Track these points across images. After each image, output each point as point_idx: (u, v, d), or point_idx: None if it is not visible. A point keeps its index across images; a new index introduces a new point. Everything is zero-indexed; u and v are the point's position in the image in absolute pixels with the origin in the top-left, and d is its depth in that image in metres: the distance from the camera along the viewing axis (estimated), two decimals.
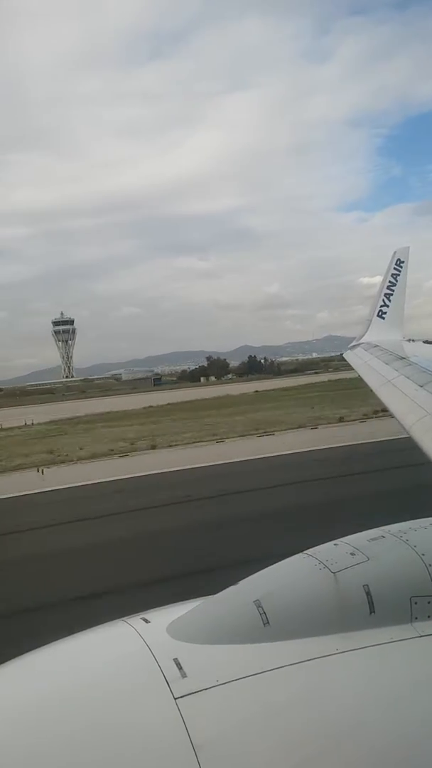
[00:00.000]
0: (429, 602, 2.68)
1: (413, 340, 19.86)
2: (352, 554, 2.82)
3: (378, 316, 21.71)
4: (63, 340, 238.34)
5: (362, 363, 15.61)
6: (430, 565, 2.72)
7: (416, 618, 2.66)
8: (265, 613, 2.61)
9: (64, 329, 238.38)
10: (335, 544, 2.96)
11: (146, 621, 2.80)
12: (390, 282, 22.03)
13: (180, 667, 2.43)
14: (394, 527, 3.05)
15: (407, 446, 7.81)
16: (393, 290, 21.91)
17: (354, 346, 20.07)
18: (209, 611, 2.81)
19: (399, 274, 22.02)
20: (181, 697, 2.33)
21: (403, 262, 22.10)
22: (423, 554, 2.77)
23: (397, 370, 11.54)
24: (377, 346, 16.71)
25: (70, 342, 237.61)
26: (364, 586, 2.67)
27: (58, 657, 2.77)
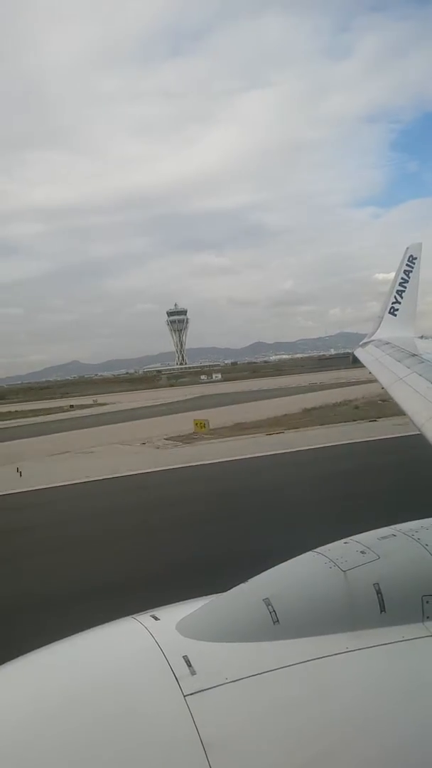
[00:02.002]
0: None
1: (426, 337, 19.68)
2: (362, 553, 2.80)
3: (390, 312, 21.54)
4: (176, 330, 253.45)
5: (373, 360, 15.50)
6: None
7: (428, 617, 2.64)
8: (274, 611, 2.60)
9: (179, 319, 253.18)
10: (345, 543, 2.94)
11: (156, 618, 2.80)
12: (402, 278, 21.84)
13: (189, 665, 2.43)
14: (405, 526, 3.03)
15: None
16: (405, 287, 21.72)
17: (365, 343, 19.93)
18: (218, 609, 2.81)
19: (411, 271, 21.82)
20: (191, 694, 2.33)
21: (415, 258, 21.90)
22: None
23: (409, 368, 11.44)
24: (388, 343, 16.58)
25: (182, 332, 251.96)
26: (374, 584, 2.65)
27: (69, 653, 2.77)
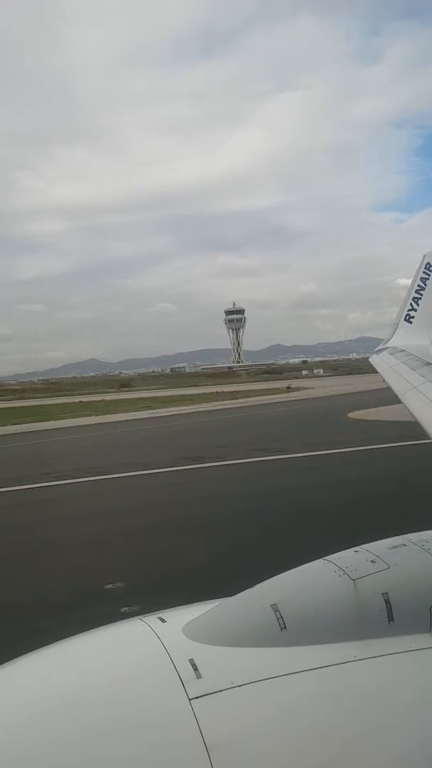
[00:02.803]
0: None
1: None
2: (372, 562, 2.79)
3: (405, 320, 21.42)
4: (234, 329, 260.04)
5: (388, 368, 15.42)
6: None
7: None
8: (282, 617, 2.60)
9: (237, 318, 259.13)
10: (356, 551, 2.93)
11: (162, 620, 2.81)
12: (419, 286, 21.70)
13: (195, 668, 2.43)
14: (416, 536, 3.01)
15: None
16: (421, 294, 21.58)
17: (380, 350, 19.84)
18: (226, 613, 2.81)
19: (428, 279, 21.69)
20: (196, 698, 2.33)
21: None
22: None
23: (423, 376, 11.37)
24: (403, 351, 16.50)
25: (239, 330, 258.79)
26: (383, 594, 2.64)
27: (73, 653, 2.79)
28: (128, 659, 2.65)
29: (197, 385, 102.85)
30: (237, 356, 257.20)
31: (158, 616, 2.86)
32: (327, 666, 2.48)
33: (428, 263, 21.72)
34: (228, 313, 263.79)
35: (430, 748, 2.35)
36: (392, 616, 2.61)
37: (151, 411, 56.03)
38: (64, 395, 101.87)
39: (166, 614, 2.89)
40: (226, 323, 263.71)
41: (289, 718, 2.35)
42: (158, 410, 56.76)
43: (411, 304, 21.50)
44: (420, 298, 21.53)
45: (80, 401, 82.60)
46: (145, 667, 2.54)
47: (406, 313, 21.49)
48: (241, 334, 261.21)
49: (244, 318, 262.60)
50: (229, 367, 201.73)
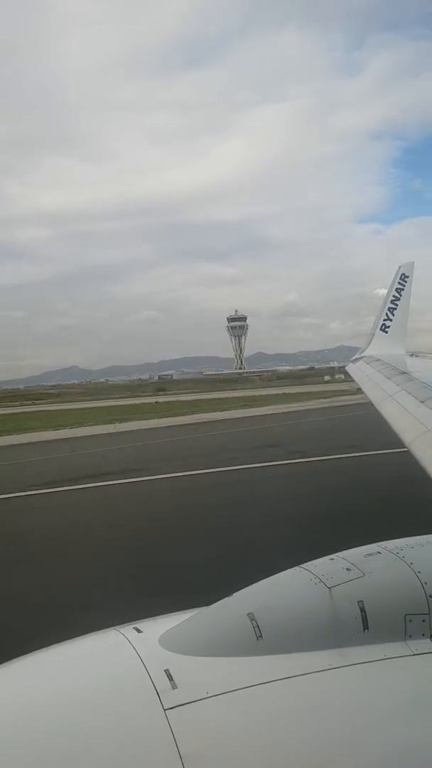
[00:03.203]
0: (423, 620, 2.66)
1: (416, 355, 19.85)
2: (348, 569, 2.81)
3: (381, 329, 21.74)
4: (236, 335, 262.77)
5: (364, 376, 15.60)
6: (425, 583, 2.71)
7: (410, 636, 2.64)
8: (258, 626, 2.60)
9: (239, 325, 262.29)
10: (331, 559, 2.95)
11: (138, 630, 2.78)
12: (394, 296, 22.06)
13: (171, 678, 2.42)
14: (391, 543, 3.04)
15: None
16: (397, 305, 21.95)
17: (356, 359, 20.06)
18: (202, 623, 2.80)
19: (403, 289, 22.07)
20: (171, 708, 2.31)
21: (407, 276, 22.15)
22: (419, 572, 2.76)
23: (398, 385, 11.52)
24: (379, 360, 16.71)
25: (242, 337, 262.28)
26: (359, 602, 2.65)
27: (48, 664, 2.75)
28: (103, 670, 2.63)
29: (235, 389, 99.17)
30: (239, 363, 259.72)
31: (134, 626, 2.84)
32: (302, 675, 2.48)
33: (403, 274, 22.12)
34: (230, 320, 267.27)
35: (406, 755, 2.37)
36: (367, 624, 2.62)
37: (260, 408, 52.02)
38: (107, 398, 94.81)
39: (142, 624, 2.87)
40: (228, 330, 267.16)
41: (264, 727, 2.34)
42: (263, 408, 52.82)
43: (386, 314, 21.84)
44: (395, 309, 21.90)
45: (175, 400, 75.01)
46: (120, 678, 2.52)
47: (381, 323, 21.82)
48: (243, 341, 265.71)
49: (246, 325, 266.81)
50: (239, 373, 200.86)
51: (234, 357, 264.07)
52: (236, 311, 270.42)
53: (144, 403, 72.65)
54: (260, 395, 72.91)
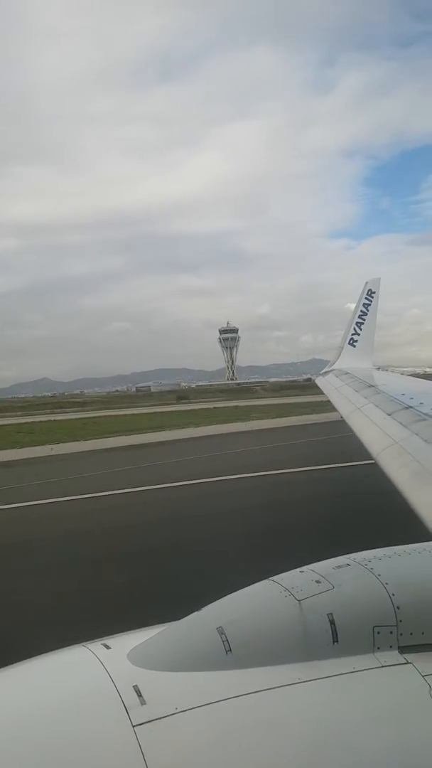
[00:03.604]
0: (391, 632, 2.69)
1: (382, 369, 20.21)
2: (317, 582, 2.81)
3: (349, 344, 22.11)
4: (228, 347, 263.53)
5: (333, 389, 15.81)
6: (393, 594, 2.74)
7: (378, 648, 2.66)
8: (227, 640, 2.58)
9: (232, 337, 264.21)
10: (301, 571, 2.95)
11: (107, 647, 2.74)
12: (361, 311, 22.49)
13: (139, 694, 2.39)
14: (359, 555, 3.06)
15: None
16: (364, 319, 22.39)
17: (326, 372, 20.33)
18: (171, 637, 2.77)
19: (370, 304, 22.54)
20: (140, 724, 2.28)
21: (374, 292, 22.64)
22: (386, 583, 2.78)
23: (366, 398, 11.71)
24: (348, 373, 16.96)
25: (233, 349, 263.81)
26: (328, 614, 2.66)
27: (14, 682, 2.69)
28: (71, 687, 2.58)
29: (253, 398, 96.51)
30: (231, 374, 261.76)
31: (102, 642, 2.80)
32: (272, 688, 2.47)
33: (370, 290, 22.60)
34: (222, 332, 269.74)
35: (373, 767, 2.38)
36: (337, 636, 2.63)
37: (321, 415, 50.37)
38: (140, 406, 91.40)
39: (111, 640, 2.83)
40: (220, 342, 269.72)
41: (233, 742, 2.33)
42: (321, 415, 51.28)
43: (354, 329, 22.25)
44: (363, 323, 22.34)
45: (222, 407, 73.06)
46: (88, 695, 2.47)
47: (350, 337, 22.21)
48: (234, 353, 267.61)
49: (238, 337, 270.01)
50: (238, 383, 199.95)
51: (226, 368, 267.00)
52: (228, 323, 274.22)
53: (204, 409, 70.92)
54: (289, 403, 70.09)
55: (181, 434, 40.56)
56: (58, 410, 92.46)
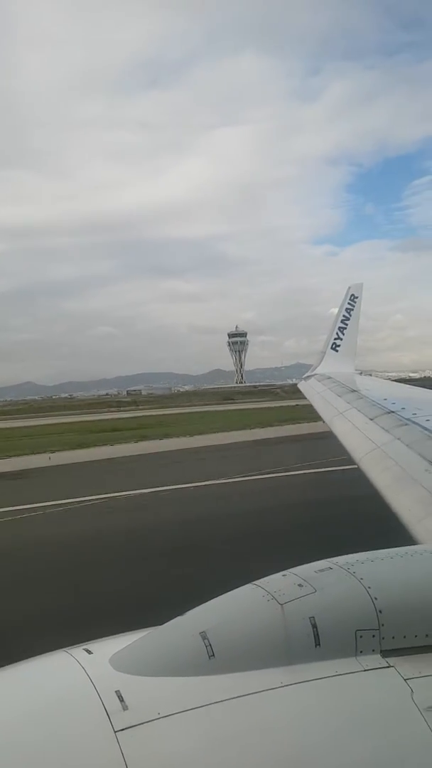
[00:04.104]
0: (373, 636, 2.70)
1: (364, 373, 20.37)
2: (300, 585, 2.82)
3: (332, 348, 22.24)
4: (237, 351, 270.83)
5: (315, 394, 15.88)
6: (375, 598, 2.75)
7: (361, 651, 2.67)
8: (210, 645, 2.57)
9: (240, 340, 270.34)
10: (284, 575, 2.95)
11: (89, 652, 2.72)
12: (344, 316, 22.65)
13: (122, 700, 2.37)
14: (342, 559, 3.07)
15: None
16: (347, 324, 22.54)
17: (308, 376, 20.42)
18: (154, 642, 2.76)
19: (353, 309, 22.70)
20: (122, 730, 2.27)
21: (356, 297, 22.80)
22: (369, 587, 2.80)
23: (349, 403, 11.78)
24: (330, 377, 17.06)
25: (242, 352, 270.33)
26: (310, 618, 2.67)
27: None
28: (53, 693, 2.55)
29: (281, 400, 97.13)
30: (240, 377, 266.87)
31: (84, 647, 2.77)
32: (254, 693, 2.47)
33: (352, 295, 22.76)
34: (231, 336, 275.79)
35: None
36: (319, 640, 2.64)
37: None
38: (174, 407, 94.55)
39: (93, 645, 2.80)
40: (229, 345, 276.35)
41: (216, 747, 2.32)
42: None
43: (337, 333, 22.38)
44: (345, 328, 22.48)
45: (267, 407, 73.34)
46: (70, 701, 2.45)
47: (332, 341, 22.33)
48: (243, 356, 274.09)
49: (247, 341, 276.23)
50: (254, 386, 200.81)
51: (235, 371, 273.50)
52: (237, 327, 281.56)
53: (264, 408, 71.10)
54: None
55: (295, 430, 41.18)
56: (114, 409, 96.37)
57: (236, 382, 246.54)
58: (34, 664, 2.78)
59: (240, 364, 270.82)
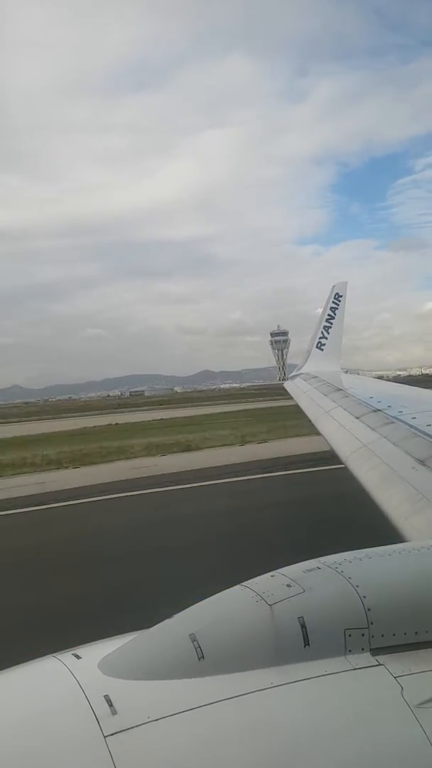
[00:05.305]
0: (363, 634, 2.70)
1: (350, 372, 20.48)
2: (288, 586, 2.82)
3: (317, 347, 22.32)
4: (279, 349, 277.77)
5: (301, 393, 15.93)
6: (364, 597, 2.76)
7: (350, 651, 2.67)
8: (200, 647, 2.57)
9: (282, 339, 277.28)
10: (272, 576, 2.95)
11: (77, 657, 2.70)
12: (329, 315, 22.73)
13: (111, 704, 2.35)
14: (330, 558, 3.08)
15: None
16: (332, 323, 22.62)
17: (294, 376, 20.48)
18: (143, 646, 2.74)
19: (337, 308, 22.79)
20: (111, 734, 2.25)
21: (341, 296, 22.88)
22: (357, 586, 2.81)
23: (335, 402, 11.83)
24: (316, 377, 17.11)
25: (284, 350, 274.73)
26: (299, 618, 2.67)
27: None
28: (41, 698, 2.53)
29: None
30: (283, 375, 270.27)
31: (73, 652, 2.75)
32: (244, 694, 2.46)
33: (337, 293, 22.85)
34: (273, 334, 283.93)
35: None
36: (308, 640, 2.64)
37: None
38: (199, 405, 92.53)
39: (81, 650, 2.78)
40: (271, 344, 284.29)
41: (207, 750, 2.31)
42: None
43: (322, 332, 22.46)
44: (330, 327, 22.56)
45: None
46: (58, 706, 2.43)
47: (318, 340, 22.41)
48: (285, 354, 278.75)
49: (288, 339, 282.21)
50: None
51: (278, 369, 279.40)
52: (278, 326, 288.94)
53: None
54: None
55: None
56: (144, 408, 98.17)
57: (279, 380, 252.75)
58: (22, 670, 2.75)
59: (282, 362, 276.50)
